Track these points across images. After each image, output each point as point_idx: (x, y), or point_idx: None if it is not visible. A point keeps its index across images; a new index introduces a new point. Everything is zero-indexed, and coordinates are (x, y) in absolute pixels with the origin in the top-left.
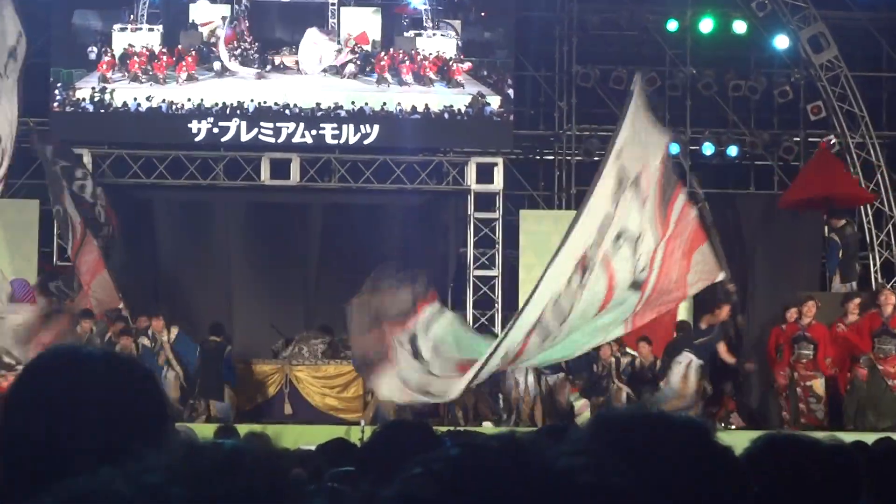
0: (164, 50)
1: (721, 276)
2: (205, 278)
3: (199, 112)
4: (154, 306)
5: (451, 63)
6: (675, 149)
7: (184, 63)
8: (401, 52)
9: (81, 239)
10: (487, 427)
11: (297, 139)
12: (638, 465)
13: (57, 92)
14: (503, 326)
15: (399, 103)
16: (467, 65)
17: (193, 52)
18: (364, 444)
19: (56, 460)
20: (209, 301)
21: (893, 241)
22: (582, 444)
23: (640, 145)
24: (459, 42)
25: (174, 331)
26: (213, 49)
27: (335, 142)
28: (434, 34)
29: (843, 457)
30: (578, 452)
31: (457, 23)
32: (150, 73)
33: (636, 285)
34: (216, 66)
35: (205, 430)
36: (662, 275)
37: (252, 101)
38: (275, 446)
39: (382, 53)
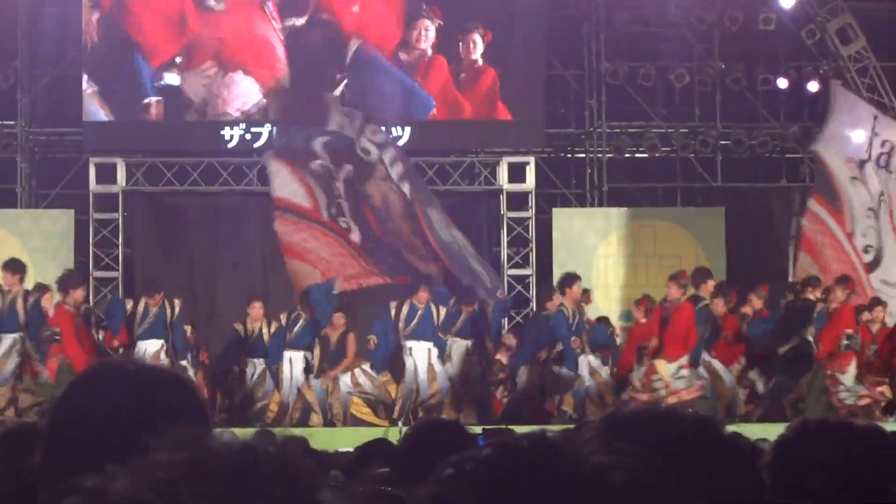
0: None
1: None
2: (240, 283)
3: (231, 119)
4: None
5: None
6: (705, 144)
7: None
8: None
9: None
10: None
11: None
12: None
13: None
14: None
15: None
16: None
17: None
18: (398, 443)
19: (94, 463)
20: (244, 306)
21: None
22: (615, 443)
23: None
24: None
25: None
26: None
27: None
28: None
29: (878, 439)
30: (611, 451)
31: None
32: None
33: None
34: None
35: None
36: None
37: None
38: (297, 447)
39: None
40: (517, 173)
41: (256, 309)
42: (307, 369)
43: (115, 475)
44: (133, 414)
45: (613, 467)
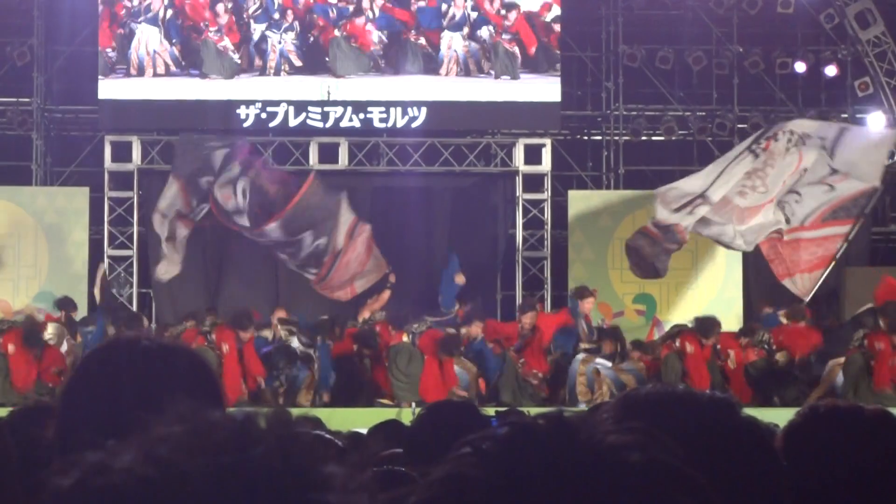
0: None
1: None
2: (255, 263)
3: (247, 98)
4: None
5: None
6: (723, 128)
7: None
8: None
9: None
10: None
11: (344, 123)
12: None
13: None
14: (552, 307)
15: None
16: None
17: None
18: (412, 424)
19: (104, 438)
20: (259, 286)
21: None
22: (629, 423)
23: (858, 162)
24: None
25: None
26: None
27: (383, 125)
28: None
29: (887, 423)
30: (627, 430)
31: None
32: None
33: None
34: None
35: None
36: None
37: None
38: (308, 425)
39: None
40: (533, 155)
41: None
42: None
43: (116, 449)
44: (144, 390)
45: (629, 446)
